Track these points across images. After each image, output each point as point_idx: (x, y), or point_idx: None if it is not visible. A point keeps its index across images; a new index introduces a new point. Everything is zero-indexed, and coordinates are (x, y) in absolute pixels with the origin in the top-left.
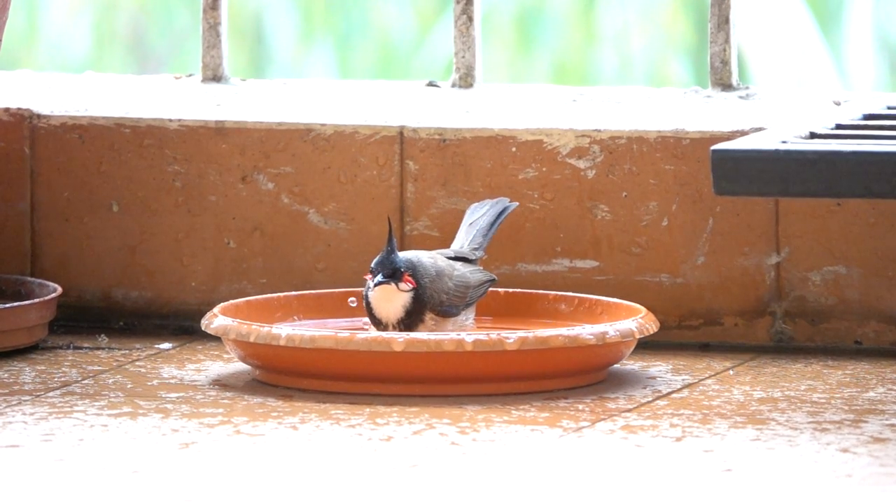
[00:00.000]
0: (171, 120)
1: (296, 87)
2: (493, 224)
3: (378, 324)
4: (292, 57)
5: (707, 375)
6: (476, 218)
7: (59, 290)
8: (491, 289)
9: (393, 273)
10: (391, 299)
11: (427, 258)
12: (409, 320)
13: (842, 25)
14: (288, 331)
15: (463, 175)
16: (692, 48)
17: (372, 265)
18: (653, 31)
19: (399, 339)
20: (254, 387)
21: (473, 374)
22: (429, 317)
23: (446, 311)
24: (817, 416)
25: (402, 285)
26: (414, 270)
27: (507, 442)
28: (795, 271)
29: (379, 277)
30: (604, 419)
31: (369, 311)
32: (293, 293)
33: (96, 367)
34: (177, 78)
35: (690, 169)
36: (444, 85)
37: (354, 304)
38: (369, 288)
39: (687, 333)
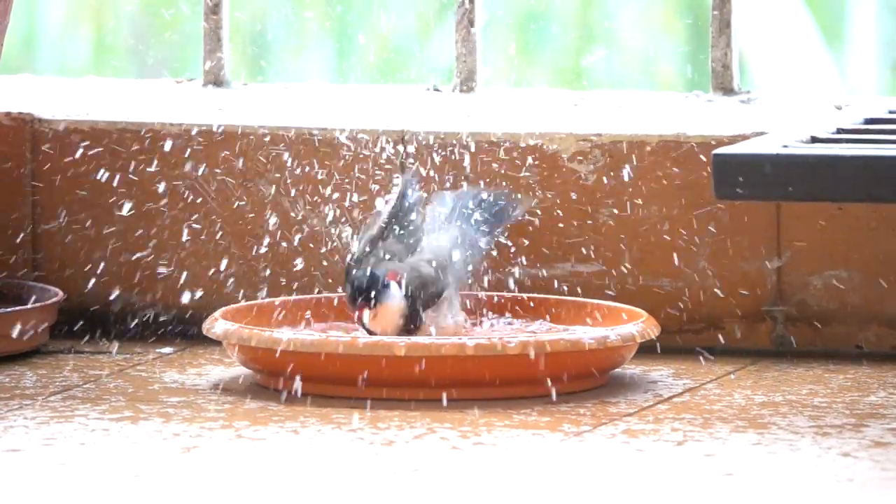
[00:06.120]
0: (172, 124)
1: (297, 92)
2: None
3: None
4: (293, 61)
5: (708, 379)
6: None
7: (61, 294)
8: (492, 293)
9: (377, 291)
10: (386, 314)
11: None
12: (412, 326)
13: (844, 29)
14: (289, 335)
15: (464, 179)
16: (688, 52)
17: (356, 300)
18: (649, 34)
19: (400, 343)
20: (255, 391)
21: (475, 378)
22: (426, 316)
23: (436, 300)
24: (818, 420)
25: (392, 289)
26: (395, 272)
27: (509, 446)
28: (797, 275)
29: (369, 301)
30: (605, 423)
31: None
32: (294, 297)
33: (97, 372)
34: (178, 82)
35: (691, 173)
36: (446, 89)
37: None
38: (364, 321)
39: (688, 337)
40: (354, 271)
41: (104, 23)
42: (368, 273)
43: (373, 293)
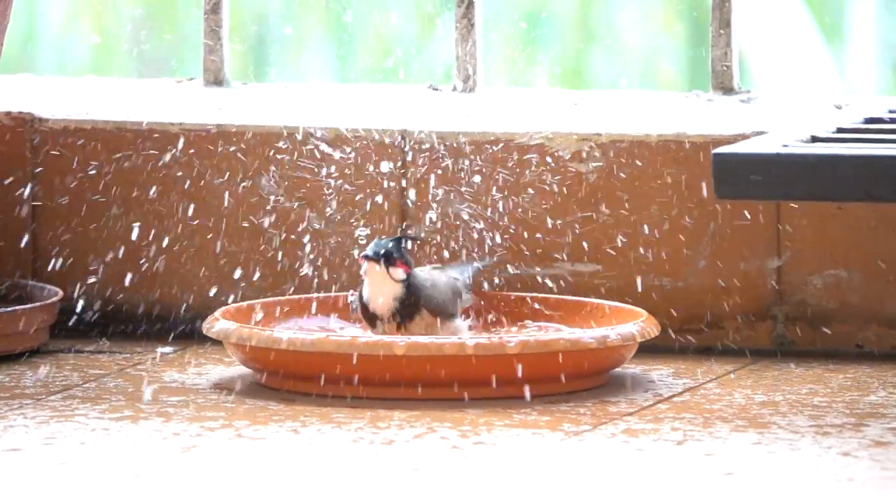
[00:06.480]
0: (172, 123)
1: (297, 91)
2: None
3: (372, 319)
4: (293, 61)
5: (708, 379)
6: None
7: (61, 293)
8: (492, 292)
9: (387, 255)
10: (382, 285)
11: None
12: (403, 314)
13: (843, 29)
14: (289, 334)
15: (464, 179)
16: (688, 52)
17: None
18: (649, 34)
19: (400, 342)
20: (255, 390)
21: (475, 378)
22: (425, 313)
23: (443, 311)
24: (818, 419)
25: (395, 271)
26: (409, 263)
27: (509, 446)
28: (797, 275)
29: (368, 252)
30: (605, 423)
31: (363, 307)
32: (294, 297)
33: (98, 371)
34: (178, 82)
35: (692, 172)
36: (446, 89)
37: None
38: (362, 274)
39: (688, 337)
40: (385, 239)
41: (104, 23)
42: (393, 247)
43: (389, 256)
